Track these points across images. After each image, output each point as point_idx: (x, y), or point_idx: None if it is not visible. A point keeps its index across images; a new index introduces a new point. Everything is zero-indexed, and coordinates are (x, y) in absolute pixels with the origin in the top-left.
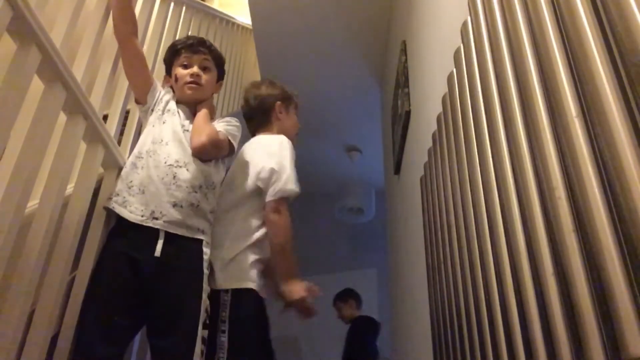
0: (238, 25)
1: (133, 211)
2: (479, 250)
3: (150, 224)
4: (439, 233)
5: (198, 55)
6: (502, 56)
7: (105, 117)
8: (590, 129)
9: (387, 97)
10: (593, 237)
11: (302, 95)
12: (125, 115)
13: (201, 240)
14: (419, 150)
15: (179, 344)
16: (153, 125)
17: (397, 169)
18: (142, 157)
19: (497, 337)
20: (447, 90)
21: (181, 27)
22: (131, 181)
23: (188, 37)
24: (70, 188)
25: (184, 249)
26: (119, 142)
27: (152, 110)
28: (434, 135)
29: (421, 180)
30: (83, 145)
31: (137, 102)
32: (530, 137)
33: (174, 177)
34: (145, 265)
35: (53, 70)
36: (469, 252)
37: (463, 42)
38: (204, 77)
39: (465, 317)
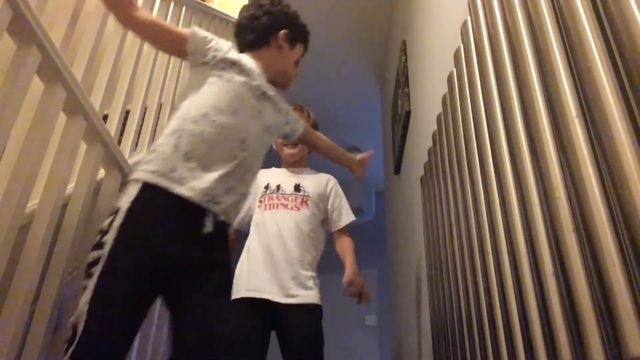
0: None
1: (192, 188)
2: (479, 250)
3: (210, 207)
4: (439, 233)
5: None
6: (502, 56)
7: (105, 117)
8: (590, 129)
9: (387, 97)
10: (593, 237)
11: (302, 95)
12: (125, 115)
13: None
14: (419, 150)
15: None
16: (210, 84)
17: (397, 169)
18: (198, 122)
19: (497, 337)
20: (447, 90)
21: (181, 27)
22: (186, 152)
23: (307, 31)
24: (70, 188)
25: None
26: (119, 142)
27: (205, 64)
28: (434, 135)
29: (421, 180)
30: (83, 145)
31: (180, 56)
32: (531, 137)
33: (239, 162)
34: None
35: (53, 70)
36: (469, 252)
37: (463, 42)
38: None
39: (466, 317)
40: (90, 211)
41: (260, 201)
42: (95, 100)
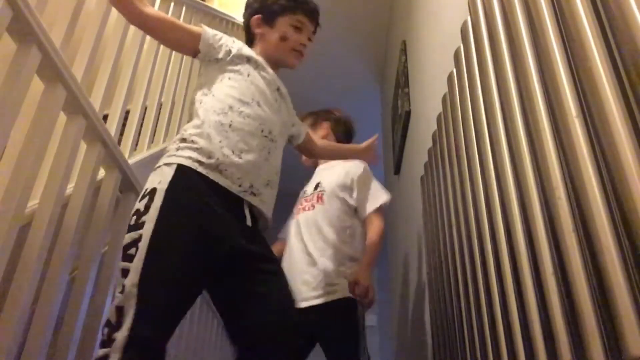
0: (238, 25)
1: (229, 176)
2: (479, 250)
3: (248, 199)
4: (439, 233)
5: (312, 24)
6: (502, 56)
7: (105, 117)
8: (590, 129)
9: (387, 97)
10: (593, 237)
11: (302, 95)
12: (125, 115)
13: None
14: (419, 150)
15: None
16: (229, 78)
17: (397, 169)
18: (226, 114)
19: (497, 337)
20: (447, 90)
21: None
22: (220, 141)
23: (308, 1)
24: (70, 188)
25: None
26: (119, 142)
27: (217, 60)
28: (434, 135)
29: (421, 180)
30: (83, 145)
31: (190, 54)
32: (531, 137)
33: (269, 152)
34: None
35: (53, 70)
36: (469, 252)
37: (463, 42)
38: (307, 50)
39: (466, 317)
40: (90, 211)
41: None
42: (95, 100)
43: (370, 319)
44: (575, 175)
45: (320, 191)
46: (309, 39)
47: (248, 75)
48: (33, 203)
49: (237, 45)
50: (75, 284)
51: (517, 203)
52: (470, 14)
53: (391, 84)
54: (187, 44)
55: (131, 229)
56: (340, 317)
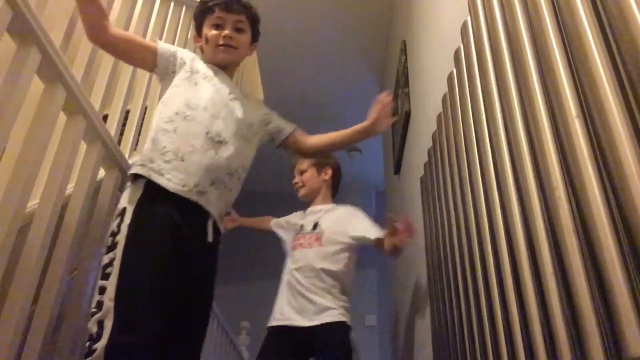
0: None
1: (171, 179)
2: (479, 250)
3: (194, 198)
4: (439, 233)
5: (233, 15)
6: (502, 56)
7: (105, 117)
8: (590, 129)
9: None
10: (593, 237)
11: (302, 95)
12: (125, 115)
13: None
14: (419, 150)
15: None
16: (178, 86)
17: (397, 169)
18: (172, 121)
19: (497, 337)
20: (447, 90)
21: (181, 27)
22: (164, 147)
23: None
24: (70, 188)
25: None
26: (119, 142)
27: (174, 72)
28: (434, 135)
29: (421, 180)
30: (83, 145)
31: (148, 69)
32: (531, 137)
33: (216, 152)
34: (194, 245)
35: (53, 70)
36: (469, 252)
37: (463, 42)
38: (239, 39)
39: (466, 316)
40: (90, 211)
41: (292, 242)
42: (95, 100)
43: (370, 319)
44: (575, 175)
45: (319, 232)
46: (238, 29)
47: (196, 84)
48: (33, 203)
49: (189, 58)
50: (75, 284)
51: (517, 203)
52: (470, 14)
53: (391, 84)
54: (147, 61)
55: (109, 249)
56: (333, 338)
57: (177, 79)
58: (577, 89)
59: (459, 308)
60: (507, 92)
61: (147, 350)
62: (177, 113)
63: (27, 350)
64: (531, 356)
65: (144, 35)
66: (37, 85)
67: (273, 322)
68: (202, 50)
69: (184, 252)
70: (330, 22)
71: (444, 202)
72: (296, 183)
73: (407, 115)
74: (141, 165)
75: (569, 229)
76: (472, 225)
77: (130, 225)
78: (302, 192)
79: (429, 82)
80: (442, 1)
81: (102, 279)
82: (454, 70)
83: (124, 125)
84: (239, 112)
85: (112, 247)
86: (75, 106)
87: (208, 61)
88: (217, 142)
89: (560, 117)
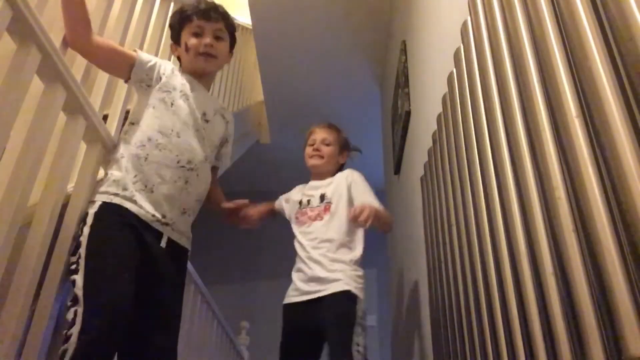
0: (238, 25)
1: (142, 207)
2: (479, 250)
3: (160, 229)
4: (439, 233)
5: (211, 23)
6: (502, 56)
7: (105, 117)
8: (590, 129)
9: (387, 97)
10: (593, 237)
11: (302, 95)
12: (125, 115)
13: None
14: (419, 150)
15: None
16: (154, 107)
17: (397, 169)
18: (144, 146)
19: (497, 337)
20: (447, 90)
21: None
22: (135, 175)
23: (199, 1)
24: (70, 188)
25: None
26: None
27: (149, 86)
28: (434, 135)
29: (421, 180)
30: (83, 145)
31: (124, 78)
32: (531, 137)
33: (187, 182)
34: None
35: (53, 70)
36: (469, 252)
37: (463, 42)
38: (218, 47)
39: (466, 317)
40: None
41: (297, 217)
42: (95, 100)
43: (370, 319)
44: (575, 175)
45: (328, 202)
46: (217, 37)
47: (172, 104)
48: (33, 203)
49: (167, 71)
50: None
51: (517, 203)
52: (470, 14)
53: (391, 84)
54: (123, 71)
55: (73, 252)
56: (338, 308)
57: (153, 98)
58: (577, 89)
59: (459, 308)
60: (507, 92)
61: (115, 330)
62: (149, 139)
63: (27, 350)
64: (531, 356)
65: (144, 36)
66: (37, 85)
67: (286, 300)
68: (179, 59)
69: (146, 249)
70: (330, 22)
71: (444, 202)
72: (316, 150)
73: (407, 115)
74: (114, 194)
75: (568, 229)
76: (472, 225)
77: (93, 226)
78: (317, 161)
79: (429, 82)
80: (442, 1)
81: (71, 274)
82: (454, 70)
83: (123, 125)
84: (209, 134)
85: (77, 248)
86: (75, 106)
87: (186, 70)
88: (188, 170)
89: (560, 117)
